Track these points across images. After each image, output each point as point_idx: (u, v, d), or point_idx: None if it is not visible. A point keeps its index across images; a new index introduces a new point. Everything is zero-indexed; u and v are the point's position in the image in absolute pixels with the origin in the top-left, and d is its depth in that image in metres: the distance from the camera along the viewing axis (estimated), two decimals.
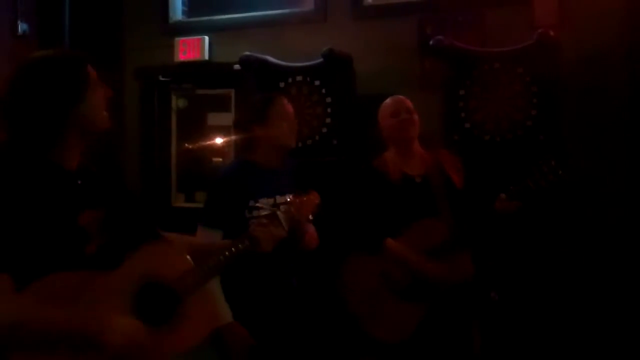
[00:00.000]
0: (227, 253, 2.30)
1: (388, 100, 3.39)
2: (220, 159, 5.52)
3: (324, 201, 2.87)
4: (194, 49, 5.39)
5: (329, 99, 4.57)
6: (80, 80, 1.98)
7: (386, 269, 3.19)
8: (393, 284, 3.18)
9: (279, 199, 3.05)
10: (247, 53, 4.82)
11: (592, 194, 4.10)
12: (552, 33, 4.06)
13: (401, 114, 3.28)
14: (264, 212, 2.76)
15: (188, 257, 2.19)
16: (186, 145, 5.69)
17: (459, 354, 3.22)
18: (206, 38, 5.38)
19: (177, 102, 5.78)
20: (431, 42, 4.37)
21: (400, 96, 3.42)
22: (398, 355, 3.18)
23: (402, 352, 3.15)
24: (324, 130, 4.58)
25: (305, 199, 2.73)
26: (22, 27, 5.42)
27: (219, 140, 5.51)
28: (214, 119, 5.67)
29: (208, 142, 5.56)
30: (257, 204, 2.98)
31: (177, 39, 5.46)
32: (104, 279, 1.94)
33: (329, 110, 4.56)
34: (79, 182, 2.00)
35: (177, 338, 2.05)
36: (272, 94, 3.43)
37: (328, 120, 4.56)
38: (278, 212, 2.51)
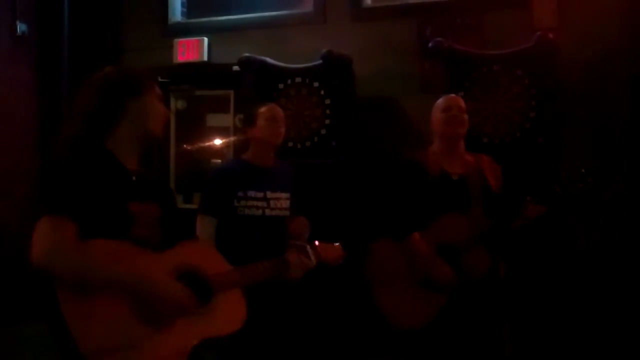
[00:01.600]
0: (262, 269, 2.61)
1: (442, 98, 3.48)
2: (219, 160, 5.52)
3: (324, 200, 2.96)
4: (193, 50, 5.40)
5: (328, 101, 4.57)
6: (140, 80, 2.30)
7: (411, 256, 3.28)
8: (417, 272, 3.24)
9: (269, 194, 3.35)
10: (246, 54, 4.82)
11: (592, 196, 4.09)
12: (551, 35, 4.07)
13: (452, 110, 3.35)
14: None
15: (225, 261, 2.45)
16: (185, 146, 5.70)
17: (486, 355, 3.25)
18: (205, 39, 5.38)
19: (176, 103, 5.78)
20: (430, 44, 4.37)
21: (454, 95, 3.51)
22: (415, 343, 3.27)
23: (420, 340, 3.24)
24: (323, 131, 4.57)
25: (332, 246, 3.00)
26: (21, 27, 5.43)
27: (217, 142, 5.52)
28: (212, 120, 5.68)
29: (207, 143, 5.57)
30: (247, 194, 3.29)
31: (176, 40, 5.47)
32: (151, 257, 2.16)
33: (328, 111, 4.56)
34: (134, 178, 2.27)
35: (211, 323, 2.24)
36: (263, 102, 3.68)
37: (327, 121, 4.55)
38: (308, 247, 2.80)
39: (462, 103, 3.40)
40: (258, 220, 3.30)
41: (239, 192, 3.28)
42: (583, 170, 3.08)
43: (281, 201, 3.40)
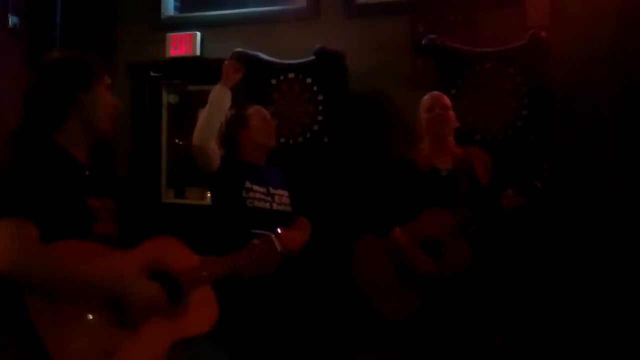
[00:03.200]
0: (232, 263, 2.49)
1: (426, 96, 3.52)
2: None
3: (314, 198, 2.95)
4: (185, 44, 5.37)
5: (320, 97, 4.57)
6: (90, 71, 2.20)
7: (394, 251, 3.34)
8: (399, 265, 3.31)
9: (272, 190, 3.36)
10: (239, 49, 4.81)
11: (583, 195, 4.11)
12: (543, 34, 4.08)
13: (435, 109, 3.38)
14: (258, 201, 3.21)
15: (196, 255, 2.38)
16: (177, 141, 5.68)
17: (475, 348, 3.30)
18: (198, 34, 5.35)
19: (168, 98, 5.76)
20: (423, 41, 4.38)
21: (439, 92, 3.54)
22: (402, 335, 3.35)
23: (406, 332, 3.31)
24: (315, 127, 4.58)
25: (295, 233, 3.01)
26: (12, 20, 5.39)
27: None
28: None
29: None
30: (252, 187, 3.29)
31: (168, 34, 5.44)
32: (118, 256, 2.09)
33: (320, 107, 4.56)
34: (87, 172, 2.19)
35: (183, 324, 2.20)
36: (251, 104, 3.72)
37: (319, 117, 4.56)
38: (272, 237, 2.67)
39: (445, 101, 3.45)
40: (266, 213, 3.30)
41: (246, 183, 3.29)
42: (564, 163, 3.11)
43: (284, 197, 3.43)
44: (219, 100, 3.27)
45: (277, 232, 2.76)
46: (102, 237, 2.09)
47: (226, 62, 3.40)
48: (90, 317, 1.95)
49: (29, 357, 1.87)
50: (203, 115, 3.30)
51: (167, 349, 2.11)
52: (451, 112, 3.45)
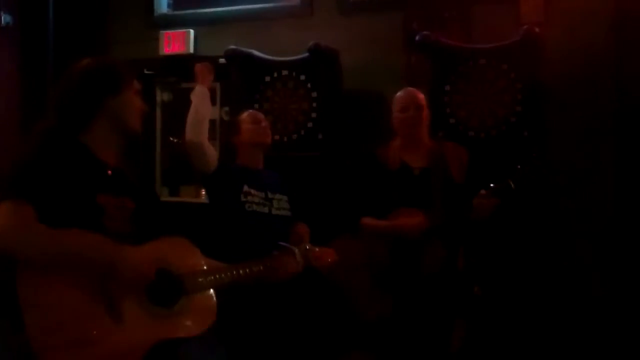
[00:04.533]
0: (242, 271, 2.50)
1: (400, 93, 3.45)
2: None
3: (308, 194, 2.93)
4: (179, 42, 5.37)
5: (314, 94, 4.57)
6: (119, 77, 2.27)
7: (369, 251, 3.31)
8: (374, 266, 3.28)
9: (270, 194, 3.35)
10: (233, 47, 4.81)
11: (577, 190, 4.11)
12: (537, 30, 4.07)
13: (410, 110, 3.31)
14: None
15: (206, 259, 2.38)
16: (171, 139, 5.67)
17: (434, 348, 3.28)
18: (191, 31, 5.35)
19: (162, 96, 5.74)
20: (417, 38, 4.37)
21: (412, 89, 3.48)
22: (377, 334, 3.32)
23: (381, 331, 3.29)
24: (310, 124, 4.57)
25: (325, 252, 2.97)
26: (5, 18, 5.38)
27: None
28: None
29: None
30: (251, 191, 3.30)
31: (162, 32, 5.43)
32: (122, 248, 2.08)
33: (314, 104, 4.56)
34: (109, 172, 2.24)
35: (175, 324, 2.19)
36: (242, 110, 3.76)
37: (313, 114, 4.55)
38: (296, 250, 2.70)
39: (420, 99, 3.38)
40: (265, 217, 3.29)
41: (244, 187, 3.28)
42: (538, 163, 3.09)
43: (283, 202, 3.42)
44: (201, 96, 3.39)
45: (306, 247, 2.79)
46: (112, 232, 2.10)
47: (198, 65, 3.57)
48: (79, 299, 1.96)
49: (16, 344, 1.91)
50: (190, 112, 3.37)
51: (150, 345, 2.10)
52: (426, 112, 3.38)
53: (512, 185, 3.09)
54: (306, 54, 4.55)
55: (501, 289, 4.13)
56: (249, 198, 3.26)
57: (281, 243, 2.87)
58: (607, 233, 4.10)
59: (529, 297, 4.13)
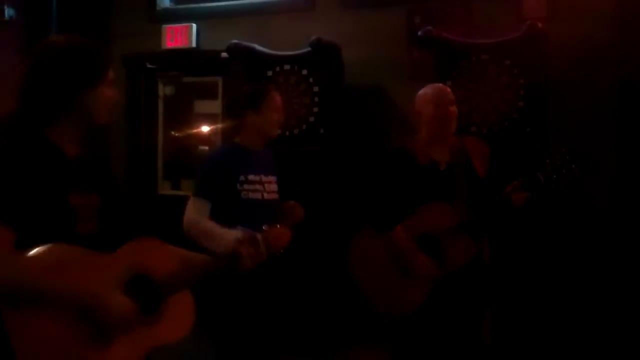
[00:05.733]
0: (212, 265, 2.40)
1: (428, 90, 3.36)
2: (207, 147, 5.50)
3: (311, 189, 2.91)
4: (181, 36, 5.37)
5: (316, 88, 4.57)
6: (96, 70, 2.05)
7: (394, 246, 3.26)
8: (399, 260, 3.23)
9: (264, 178, 3.31)
10: (235, 41, 4.81)
11: (578, 186, 4.11)
12: (540, 25, 4.07)
13: (444, 106, 3.28)
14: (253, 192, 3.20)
15: (176, 259, 2.27)
16: (173, 133, 5.68)
17: (466, 340, 3.27)
18: (194, 25, 5.35)
19: (164, 90, 5.76)
20: (419, 33, 4.37)
21: (441, 85, 3.42)
22: (400, 331, 3.28)
23: (404, 328, 3.25)
24: (311, 119, 4.57)
25: (280, 231, 2.81)
26: (8, 12, 5.39)
27: (205, 128, 5.50)
28: (201, 106, 5.66)
29: (195, 130, 5.55)
30: (248, 178, 3.24)
31: (164, 26, 5.43)
32: (98, 260, 1.99)
33: (316, 99, 4.56)
34: (75, 167, 2.06)
35: (158, 332, 2.11)
36: (268, 86, 3.59)
37: (315, 109, 4.55)
38: (258, 236, 2.57)
39: (450, 94, 3.35)
40: (259, 204, 3.26)
41: (241, 176, 3.23)
42: (567, 157, 3.08)
43: (272, 185, 3.37)
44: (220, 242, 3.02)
45: (264, 229, 2.73)
46: (85, 238, 2.00)
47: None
48: (62, 331, 1.87)
49: None
50: (205, 233, 3.09)
51: (143, 357, 2.06)
52: (455, 106, 3.36)
53: (542, 179, 3.09)
54: (308, 49, 4.55)
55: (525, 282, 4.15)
56: (245, 186, 3.23)
57: (243, 229, 2.84)
58: (607, 228, 4.09)
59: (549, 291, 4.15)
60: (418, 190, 3.24)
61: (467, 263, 3.17)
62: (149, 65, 5.60)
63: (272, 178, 3.38)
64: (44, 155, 1.98)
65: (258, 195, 3.27)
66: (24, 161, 1.92)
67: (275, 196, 3.37)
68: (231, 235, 2.78)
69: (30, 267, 1.83)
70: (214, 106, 5.44)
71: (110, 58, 2.14)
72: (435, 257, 3.17)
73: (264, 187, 3.31)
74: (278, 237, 2.77)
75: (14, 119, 2.01)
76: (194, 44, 5.34)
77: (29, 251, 1.85)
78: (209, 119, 5.50)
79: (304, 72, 4.61)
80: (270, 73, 4.70)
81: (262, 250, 2.58)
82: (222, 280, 2.99)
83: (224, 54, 4.92)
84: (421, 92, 3.38)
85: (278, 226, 2.80)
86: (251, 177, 3.26)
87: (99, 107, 2.07)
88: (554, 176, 3.07)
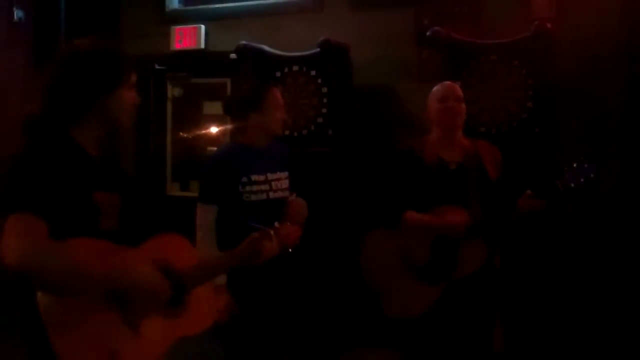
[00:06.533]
0: (230, 259, 2.53)
1: (438, 86, 3.40)
2: (215, 148, 5.50)
3: (320, 190, 2.91)
4: (190, 37, 5.38)
5: (325, 89, 4.57)
6: (118, 73, 2.16)
7: (407, 246, 3.26)
8: (412, 261, 3.24)
9: (270, 175, 3.25)
10: (244, 42, 4.81)
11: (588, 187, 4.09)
12: (549, 25, 4.06)
13: (449, 100, 3.30)
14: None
15: (196, 254, 2.41)
16: (181, 134, 5.69)
17: (476, 346, 3.25)
18: (202, 27, 5.36)
19: (173, 91, 5.78)
20: (428, 33, 4.36)
21: (451, 82, 3.43)
22: (409, 332, 3.29)
23: (414, 330, 3.25)
24: (320, 120, 4.57)
25: (291, 228, 2.94)
26: (17, 14, 5.41)
27: (214, 129, 5.50)
28: (209, 107, 5.67)
29: (203, 131, 5.56)
30: (251, 178, 3.19)
31: (173, 27, 5.45)
32: (123, 254, 2.07)
33: (324, 100, 4.56)
34: (98, 167, 2.15)
35: (183, 323, 2.22)
36: (266, 84, 3.56)
37: (324, 110, 4.55)
38: (272, 232, 2.63)
39: (459, 91, 3.35)
40: (263, 204, 3.21)
41: (243, 178, 3.17)
42: (586, 166, 3.06)
43: (282, 181, 3.31)
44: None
45: (275, 226, 2.75)
46: (108, 233, 2.08)
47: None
48: (97, 316, 1.95)
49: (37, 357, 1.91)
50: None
51: (168, 348, 2.15)
52: (463, 104, 3.38)
53: (560, 187, 3.07)
54: (317, 50, 4.55)
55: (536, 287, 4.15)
56: (247, 188, 3.17)
57: (254, 225, 2.86)
58: (617, 230, 4.08)
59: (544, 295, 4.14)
60: (426, 188, 3.23)
61: (479, 266, 3.16)
62: (157, 67, 5.62)
63: (282, 174, 3.32)
64: (68, 152, 2.06)
65: (262, 196, 3.22)
66: (50, 157, 1.99)
67: (284, 193, 3.32)
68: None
69: (66, 254, 1.90)
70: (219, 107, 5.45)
71: (131, 62, 2.24)
72: (449, 260, 3.16)
73: (270, 185, 3.25)
74: (288, 234, 2.88)
75: (39, 118, 2.09)
76: (202, 45, 5.35)
77: (66, 244, 1.92)
78: (218, 120, 5.49)
79: (313, 73, 4.62)
80: (278, 74, 4.71)
81: (275, 245, 2.68)
82: (230, 279, 3.03)
83: (233, 55, 4.93)
84: (432, 90, 3.41)
85: (288, 224, 2.91)
86: (254, 177, 3.20)
87: (120, 110, 2.17)
88: (572, 185, 3.05)
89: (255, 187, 3.20)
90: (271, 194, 3.25)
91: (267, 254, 2.64)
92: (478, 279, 3.18)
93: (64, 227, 1.93)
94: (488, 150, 3.35)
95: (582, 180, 3.05)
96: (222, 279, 2.97)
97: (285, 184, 3.33)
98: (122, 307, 2.01)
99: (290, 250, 3.00)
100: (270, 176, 3.26)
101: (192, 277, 2.27)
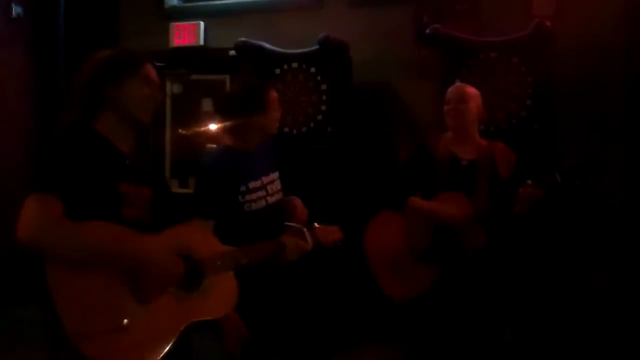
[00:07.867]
0: (256, 253, 2.62)
1: (450, 87, 3.50)
2: (214, 145, 5.49)
3: (319, 188, 2.92)
4: (189, 34, 5.38)
5: (324, 86, 4.56)
6: (119, 65, 2.27)
7: (409, 230, 3.38)
8: (413, 245, 3.35)
9: (265, 179, 3.13)
10: (243, 39, 4.81)
11: (585, 184, 4.10)
12: (548, 23, 4.05)
13: (451, 102, 3.37)
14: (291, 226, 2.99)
15: (220, 243, 2.49)
16: (180, 130, 5.68)
17: (478, 336, 3.31)
18: (201, 23, 5.36)
19: (172, 88, 5.77)
20: (428, 31, 4.36)
21: (463, 84, 3.52)
22: (410, 317, 3.40)
23: (415, 314, 3.37)
24: (319, 117, 4.57)
25: (331, 228, 2.98)
26: (16, 10, 5.40)
27: (213, 126, 5.49)
28: (208, 104, 5.66)
29: (202, 128, 5.55)
30: (249, 186, 3.07)
31: (172, 23, 5.45)
32: (144, 239, 2.17)
33: (324, 97, 4.55)
34: (127, 161, 2.29)
35: (199, 306, 2.28)
36: (265, 83, 3.39)
37: (323, 107, 4.55)
38: (305, 230, 2.73)
39: (464, 93, 3.39)
40: (263, 213, 3.07)
41: (242, 187, 3.01)
42: (587, 160, 3.11)
43: (275, 183, 3.19)
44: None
45: (314, 226, 2.80)
46: (131, 221, 2.17)
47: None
48: (109, 289, 2.03)
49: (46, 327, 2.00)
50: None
51: (180, 328, 2.18)
52: (471, 105, 3.39)
53: (559, 179, 3.12)
54: (316, 47, 4.54)
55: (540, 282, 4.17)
56: (247, 197, 3.01)
57: (288, 223, 2.87)
58: (616, 226, 4.09)
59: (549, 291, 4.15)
60: (436, 180, 3.34)
61: (479, 251, 3.23)
62: (156, 63, 5.58)
63: (274, 175, 3.20)
64: (92, 142, 2.20)
65: (262, 204, 3.08)
66: (73, 145, 2.14)
67: (279, 196, 3.21)
68: None
69: (77, 230, 2.01)
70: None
71: (140, 56, 2.36)
72: (450, 246, 3.24)
73: (267, 190, 3.12)
74: (328, 234, 2.93)
75: (69, 119, 2.25)
76: (201, 42, 5.36)
77: (81, 223, 2.03)
78: (217, 117, 5.50)
79: (312, 70, 4.61)
80: (278, 71, 4.70)
81: (308, 242, 2.77)
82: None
83: (232, 52, 4.92)
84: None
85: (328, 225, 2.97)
86: (252, 184, 3.04)
87: (129, 100, 2.27)
88: (571, 178, 3.10)
89: (254, 195, 3.05)
90: (269, 199, 3.12)
91: (297, 251, 2.73)
92: (477, 265, 3.25)
93: (82, 210, 2.04)
94: (503, 151, 3.43)
95: (582, 173, 3.11)
96: None
97: (278, 185, 3.21)
98: (133, 283, 2.08)
99: (331, 247, 3.00)
100: (264, 180, 3.11)
101: (211, 264, 2.35)
